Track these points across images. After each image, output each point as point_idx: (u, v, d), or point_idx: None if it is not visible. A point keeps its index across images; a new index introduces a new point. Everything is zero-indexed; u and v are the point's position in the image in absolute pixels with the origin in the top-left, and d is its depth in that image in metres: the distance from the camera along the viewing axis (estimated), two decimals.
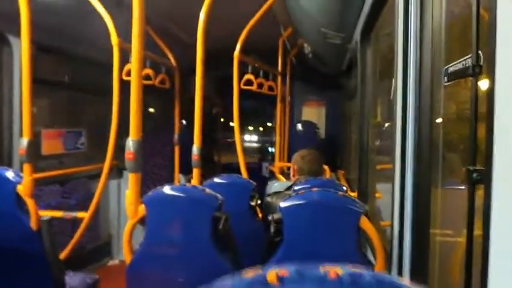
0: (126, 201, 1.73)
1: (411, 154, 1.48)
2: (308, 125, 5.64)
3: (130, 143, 1.72)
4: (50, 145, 3.85)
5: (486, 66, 0.86)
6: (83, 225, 3.20)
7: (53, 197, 3.73)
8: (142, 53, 1.75)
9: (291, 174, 2.76)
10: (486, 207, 0.77)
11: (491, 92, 0.76)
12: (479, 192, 0.89)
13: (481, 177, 0.82)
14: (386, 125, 3.48)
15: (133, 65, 1.76)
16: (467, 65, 1.06)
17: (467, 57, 1.07)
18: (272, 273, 0.42)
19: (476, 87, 0.86)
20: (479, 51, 0.89)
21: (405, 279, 0.44)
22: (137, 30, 1.77)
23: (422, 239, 1.44)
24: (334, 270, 0.41)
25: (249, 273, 0.44)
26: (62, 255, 3.16)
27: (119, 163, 4.41)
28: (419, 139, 1.45)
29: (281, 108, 4.74)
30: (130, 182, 1.75)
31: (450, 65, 1.22)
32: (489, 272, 0.76)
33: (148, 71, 3.73)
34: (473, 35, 0.92)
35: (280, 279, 0.41)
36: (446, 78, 1.25)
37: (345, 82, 5.16)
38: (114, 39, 3.00)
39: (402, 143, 1.53)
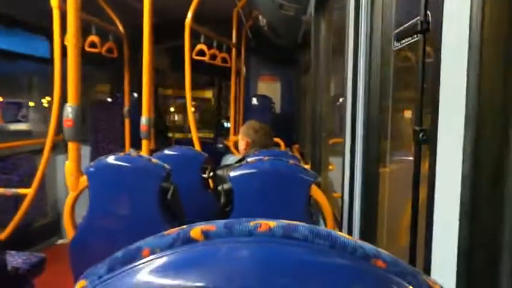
0: (66, 172, 1.62)
1: (361, 125, 1.48)
2: (263, 99, 5.61)
3: (69, 109, 1.60)
4: None
5: (433, 27, 0.85)
6: (26, 202, 3.02)
7: None
8: (78, 13, 1.61)
9: (243, 147, 2.69)
10: (431, 167, 0.76)
11: (437, 51, 0.74)
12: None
13: (426, 137, 0.82)
14: (340, 100, 3.52)
15: (70, 27, 1.63)
16: (416, 22, 1.05)
17: (416, 19, 1.06)
18: (197, 229, 0.37)
19: (424, 45, 0.84)
20: (428, 11, 0.87)
21: (344, 233, 0.41)
22: None
23: (371, 207, 1.46)
24: (266, 223, 0.37)
25: (172, 230, 0.39)
26: (4, 234, 2.98)
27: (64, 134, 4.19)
28: (369, 110, 1.45)
29: (235, 82, 4.66)
30: (70, 151, 1.64)
31: (400, 28, 1.20)
32: (434, 231, 0.76)
33: (94, 38, 3.50)
34: None
35: (206, 234, 0.37)
36: (396, 43, 1.24)
37: (300, 56, 5.15)
38: (53, 0, 2.77)
39: (353, 114, 1.52)
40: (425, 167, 0.92)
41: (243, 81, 5.16)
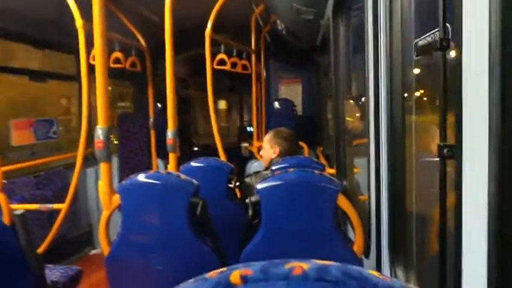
0: (100, 191, 1.69)
1: (385, 130, 1.48)
2: (285, 102, 5.61)
3: (99, 131, 1.66)
4: (20, 135, 3.72)
5: (454, 40, 0.85)
6: (61, 217, 3.13)
7: (26, 189, 3.63)
8: (105, 35, 1.68)
9: (274, 155, 2.62)
10: (458, 182, 0.77)
11: (458, 67, 0.75)
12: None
13: (451, 153, 0.82)
14: (363, 99, 3.50)
15: (97, 49, 1.69)
16: (435, 38, 1.05)
17: (436, 30, 1.06)
18: (236, 274, 0.40)
19: (444, 62, 0.84)
20: (447, 24, 0.87)
21: (375, 271, 0.43)
22: (98, 10, 1.69)
23: (399, 213, 1.46)
24: (300, 265, 0.39)
25: (213, 274, 0.42)
26: (41, 248, 3.10)
27: (94, 151, 4.33)
28: (392, 115, 1.45)
29: (257, 87, 4.69)
30: (102, 172, 1.71)
31: (419, 38, 1.20)
32: (463, 243, 0.76)
33: (118, 54, 3.61)
34: (439, 5, 0.90)
35: (244, 278, 0.40)
36: (415, 52, 1.24)
37: (320, 58, 5.14)
38: (78, 21, 2.87)
39: (376, 118, 1.52)
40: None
41: (264, 86, 5.19)
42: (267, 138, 2.73)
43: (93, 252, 4.58)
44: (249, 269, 0.40)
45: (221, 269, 0.42)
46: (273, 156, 2.63)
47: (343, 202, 1.53)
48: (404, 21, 1.45)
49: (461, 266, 0.79)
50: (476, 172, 0.72)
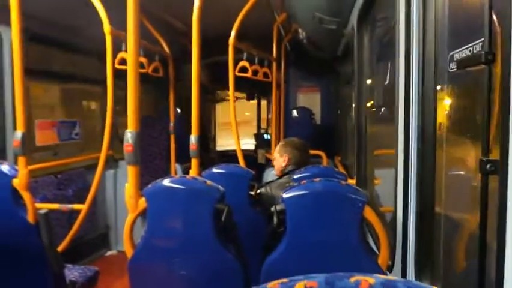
0: (126, 194, 1.70)
1: (415, 142, 1.46)
2: (304, 111, 5.61)
3: (129, 135, 1.68)
4: (44, 136, 3.79)
5: (499, 52, 0.84)
6: (80, 217, 3.17)
7: (48, 188, 3.69)
8: (138, 42, 1.70)
9: (284, 164, 2.69)
10: (502, 198, 0.76)
11: (507, 81, 0.74)
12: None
13: (494, 168, 0.81)
14: (383, 109, 3.46)
15: (129, 55, 1.71)
16: (475, 51, 1.04)
17: (474, 43, 1.04)
18: (300, 285, 0.39)
19: (489, 76, 0.83)
20: (492, 40, 0.86)
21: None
22: (132, 20, 1.72)
23: (426, 228, 1.43)
24: (365, 279, 0.39)
25: (275, 285, 0.41)
26: (60, 247, 3.13)
27: (115, 153, 4.38)
28: (424, 127, 1.43)
29: (276, 95, 4.70)
30: (130, 174, 1.72)
31: (456, 51, 1.19)
32: (506, 264, 0.75)
33: (142, 59, 3.66)
34: (485, 19, 0.88)
35: None
36: (451, 64, 1.22)
37: (340, 67, 5.12)
38: (106, 27, 2.93)
39: (406, 131, 1.51)
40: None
41: (283, 94, 5.20)
42: (277, 147, 2.81)
43: (109, 253, 4.62)
44: (313, 281, 0.40)
45: (282, 280, 0.42)
46: (283, 164, 2.69)
47: (369, 214, 1.52)
48: (437, 32, 1.44)
49: (503, 283, 0.77)
50: None
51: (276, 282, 0.42)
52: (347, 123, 4.75)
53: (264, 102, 7.89)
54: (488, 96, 0.83)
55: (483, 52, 0.85)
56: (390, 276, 0.41)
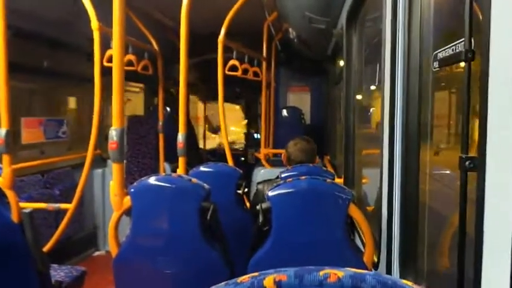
0: (111, 192, 1.69)
1: (399, 141, 1.47)
2: (293, 111, 5.62)
3: (113, 132, 1.67)
4: (31, 134, 3.75)
5: (479, 51, 0.85)
6: (67, 217, 3.14)
7: (34, 187, 3.64)
8: (124, 39, 1.69)
9: (284, 159, 2.75)
10: (480, 194, 0.76)
11: (484, 79, 0.74)
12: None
13: (473, 165, 0.81)
14: (371, 110, 3.48)
15: (115, 52, 1.70)
16: (457, 50, 1.05)
17: (457, 42, 1.05)
18: (270, 279, 0.39)
19: (469, 74, 0.84)
20: (472, 39, 0.87)
21: (409, 281, 0.42)
22: (118, 15, 1.71)
23: (410, 225, 1.44)
24: (334, 272, 0.39)
25: (245, 278, 0.41)
26: (47, 247, 3.10)
27: (103, 152, 4.34)
28: (407, 125, 1.44)
29: (266, 94, 4.70)
30: (114, 172, 1.71)
31: (439, 50, 1.20)
32: (483, 260, 0.75)
33: (131, 56, 3.63)
34: (466, 19, 0.89)
35: (278, 284, 0.39)
36: (435, 63, 1.23)
37: (330, 67, 5.14)
38: (94, 23, 2.89)
39: (391, 129, 1.52)
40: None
41: (273, 93, 5.20)
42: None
43: (97, 253, 4.58)
44: (283, 275, 0.40)
45: (252, 274, 0.41)
46: (284, 161, 2.73)
47: (354, 211, 1.52)
48: (422, 32, 1.45)
49: (480, 280, 0.78)
50: (500, 184, 0.71)
51: (247, 276, 0.41)
52: (336, 123, 4.78)
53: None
54: (468, 94, 0.84)
55: (463, 49, 0.85)
56: (360, 270, 0.41)
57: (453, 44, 1.09)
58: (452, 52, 1.09)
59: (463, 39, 1.00)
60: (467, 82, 0.83)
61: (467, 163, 0.82)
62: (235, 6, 3.24)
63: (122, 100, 1.68)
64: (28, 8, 3.14)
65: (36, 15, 3.35)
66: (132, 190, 1.63)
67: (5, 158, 2.24)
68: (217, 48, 3.24)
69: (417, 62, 1.45)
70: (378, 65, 2.76)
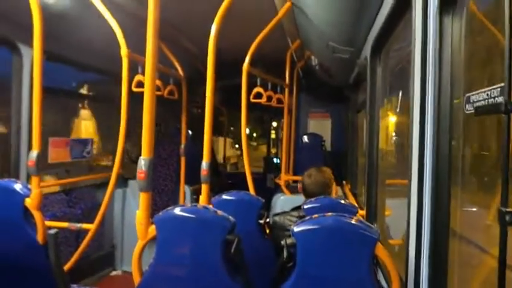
0: (136, 221, 1.70)
1: (429, 174, 1.44)
2: (314, 137, 5.62)
3: (142, 162, 1.69)
4: (57, 153, 3.83)
5: None
6: (88, 237, 3.17)
7: (58, 206, 3.71)
8: (155, 66, 1.73)
9: (299, 189, 2.78)
10: None
11: None
12: None
13: None
14: (394, 139, 3.45)
15: (147, 79, 1.74)
16: (493, 95, 1.04)
17: (493, 87, 1.04)
18: None
19: (508, 125, 0.83)
20: None
21: None
22: (151, 47, 1.76)
23: (440, 268, 1.40)
24: None
25: None
26: (66, 266, 3.12)
27: (124, 172, 4.40)
28: (438, 158, 1.41)
29: (287, 120, 4.72)
30: (141, 202, 1.72)
31: (472, 93, 1.19)
32: None
33: (158, 82, 3.71)
34: (505, 65, 0.88)
35: None
36: (467, 106, 1.22)
37: (351, 95, 5.14)
38: (124, 50, 2.98)
39: (420, 161, 1.48)
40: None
41: (294, 119, 5.21)
42: None
43: (114, 273, 4.58)
44: None
45: None
46: (300, 190, 2.76)
47: (381, 252, 1.49)
48: (453, 71, 1.44)
49: None
50: None
51: None
52: (358, 151, 4.74)
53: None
54: (507, 145, 0.83)
55: (503, 101, 0.85)
56: None
57: (488, 88, 1.08)
58: (486, 96, 1.08)
59: (499, 85, 0.99)
60: (506, 135, 0.82)
61: (507, 217, 0.80)
62: (261, 35, 3.29)
63: (153, 129, 1.71)
64: (61, 33, 3.26)
65: (68, 40, 3.48)
66: (157, 220, 1.64)
67: (34, 179, 2.29)
68: (240, 73, 3.29)
69: (448, 101, 1.43)
70: (400, 93, 2.74)
